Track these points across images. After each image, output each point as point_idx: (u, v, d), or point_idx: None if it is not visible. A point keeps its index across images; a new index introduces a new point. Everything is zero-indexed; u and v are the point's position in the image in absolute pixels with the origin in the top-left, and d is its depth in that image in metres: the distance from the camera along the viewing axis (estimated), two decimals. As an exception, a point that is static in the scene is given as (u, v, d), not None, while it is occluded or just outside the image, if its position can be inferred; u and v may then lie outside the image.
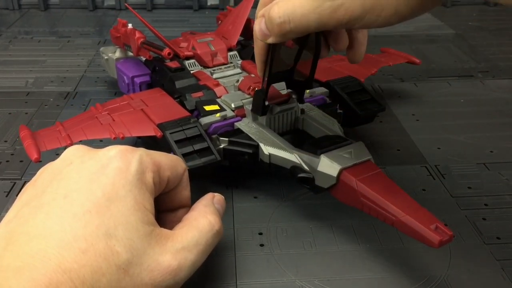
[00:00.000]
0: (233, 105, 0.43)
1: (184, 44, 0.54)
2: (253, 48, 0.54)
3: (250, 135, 0.40)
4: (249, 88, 0.45)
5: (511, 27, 0.86)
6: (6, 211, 0.29)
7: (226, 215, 0.40)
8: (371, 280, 0.34)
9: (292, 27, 0.31)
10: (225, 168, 0.42)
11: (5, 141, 0.51)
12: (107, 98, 0.60)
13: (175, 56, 0.51)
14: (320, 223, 0.39)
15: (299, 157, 0.37)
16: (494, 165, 0.47)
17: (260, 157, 0.40)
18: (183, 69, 0.50)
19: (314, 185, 0.36)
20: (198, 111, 0.43)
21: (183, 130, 0.40)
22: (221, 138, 0.40)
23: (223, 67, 0.51)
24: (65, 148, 0.38)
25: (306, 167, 0.37)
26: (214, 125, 0.42)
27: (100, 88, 0.63)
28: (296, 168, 0.37)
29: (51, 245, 0.25)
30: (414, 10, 0.29)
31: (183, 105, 0.44)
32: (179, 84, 0.47)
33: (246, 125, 0.42)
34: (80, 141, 0.45)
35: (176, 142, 0.39)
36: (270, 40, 0.33)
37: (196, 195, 0.34)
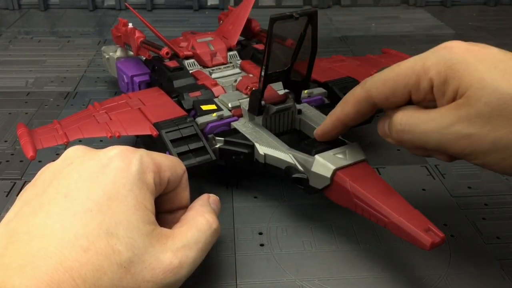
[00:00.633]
0: (230, 105, 0.43)
1: (184, 44, 0.54)
2: (252, 48, 0.54)
3: (246, 135, 0.40)
4: (246, 88, 0.45)
5: (511, 27, 0.86)
6: (6, 211, 0.29)
7: (226, 215, 0.40)
8: (371, 280, 0.34)
9: (409, 138, 0.31)
10: (225, 168, 0.42)
11: (5, 141, 0.51)
12: (107, 98, 0.60)
13: (174, 56, 0.51)
14: (320, 223, 0.39)
15: (294, 157, 0.37)
16: (494, 165, 0.47)
17: (256, 157, 0.40)
18: (181, 68, 0.50)
19: (308, 185, 0.36)
20: (195, 111, 0.43)
21: (179, 129, 0.40)
22: (217, 138, 0.40)
23: (222, 67, 0.51)
24: (65, 148, 0.38)
25: (300, 168, 0.37)
26: (210, 125, 0.42)
27: (100, 88, 0.63)
28: (290, 168, 0.37)
29: (52, 244, 0.25)
30: None
31: (181, 105, 0.44)
32: (177, 83, 0.47)
33: (243, 125, 0.42)
34: (79, 140, 0.46)
35: (172, 141, 0.39)
36: (390, 141, 0.33)
37: (196, 196, 0.34)
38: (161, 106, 0.44)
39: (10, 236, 0.25)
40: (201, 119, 0.42)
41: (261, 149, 0.39)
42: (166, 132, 0.40)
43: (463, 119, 0.28)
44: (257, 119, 0.42)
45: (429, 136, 0.30)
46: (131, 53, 0.55)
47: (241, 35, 0.56)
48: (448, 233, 0.38)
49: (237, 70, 0.51)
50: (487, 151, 0.28)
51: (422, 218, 0.31)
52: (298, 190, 0.37)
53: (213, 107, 0.43)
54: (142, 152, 0.30)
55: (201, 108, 0.43)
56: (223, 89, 0.46)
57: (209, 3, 0.96)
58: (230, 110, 0.43)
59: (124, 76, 0.53)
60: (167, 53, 0.49)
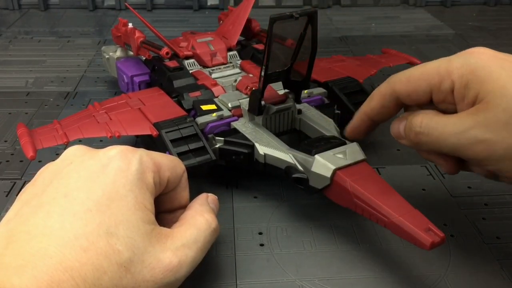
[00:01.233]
0: (230, 105, 0.43)
1: (184, 44, 0.54)
2: (252, 48, 0.54)
3: (246, 135, 0.40)
4: (246, 88, 0.45)
5: (511, 27, 0.86)
6: (6, 211, 0.29)
7: (226, 215, 0.40)
8: (371, 280, 0.34)
9: (427, 140, 0.31)
10: (225, 168, 0.42)
11: (5, 141, 0.51)
12: (107, 98, 0.60)
13: (174, 56, 0.51)
14: (320, 223, 0.39)
15: (294, 157, 0.37)
16: (494, 165, 0.47)
17: (256, 157, 0.40)
18: (181, 68, 0.50)
19: (308, 185, 0.36)
20: (195, 111, 0.43)
21: (179, 129, 0.40)
22: (216, 138, 0.40)
23: (222, 67, 0.51)
24: (65, 148, 0.38)
25: (300, 168, 0.37)
26: (210, 125, 0.42)
27: (100, 88, 0.63)
28: (290, 168, 0.37)
29: (52, 244, 0.25)
30: None
31: (181, 105, 0.44)
32: (177, 83, 0.47)
33: (243, 125, 0.42)
34: (80, 140, 0.46)
35: (172, 141, 0.39)
36: (403, 142, 0.34)
37: (195, 196, 0.34)
38: (161, 106, 0.44)
39: (10, 236, 0.25)
40: (201, 119, 0.42)
41: (261, 149, 0.39)
42: (166, 132, 0.40)
43: (481, 124, 0.28)
44: (257, 119, 0.42)
45: (446, 140, 0.30)
46: (131, 53, 0.55)
47: (241, 35, 0.56)
48: (448, 233, 0.38)
49: (237, 70, 0.51)
50: (501, 157, 0.28)
51: (422, 218, 0.31)
52: (298, 190, 0.37)
53: (213, 107, 0.43)
54: (142, 152, 0.30)
55: (201, 108, 0.43)
56: (223, 89, 0.46)
57: (209, 3, 0.96)
58: (230, 110, 0.43)
59: (124, 76, 0.53)
60: (167, 53, 0.49)
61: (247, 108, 0.42)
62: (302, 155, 0.37)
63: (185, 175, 0.33)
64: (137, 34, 0.52)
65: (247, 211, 0.41)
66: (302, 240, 0.38)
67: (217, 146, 0.40)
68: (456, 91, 0.30)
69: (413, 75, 0.33)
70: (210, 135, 0.41)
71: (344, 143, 0.37)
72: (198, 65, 0.52)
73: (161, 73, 0.50)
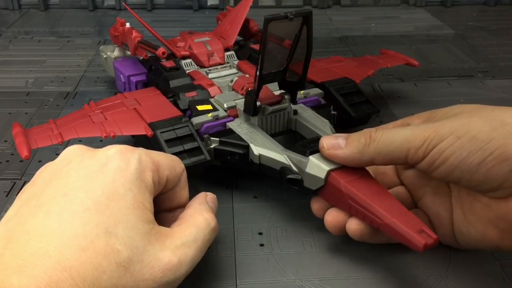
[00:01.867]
0: (225, 105, 0.43)
1: (181, 44, 0.54)
2: (250, 48, 0.54)
3: (241, 136, 0.40)
4: (242, 88, 0.45)
5: (511, 27, 0.86)
6: (6, 211, 0.29)
7: (226, 215, 0.40)
8: (371, 280, 0.34)
9: (381, 138, 0.32)
10: (225, 168, 0.42)
11: (5, 141, 0.51)
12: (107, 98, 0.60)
13: (171, 56, 0.51)
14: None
15: (289, 158, 0.37)
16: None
17: (251, 157, 0.39)
18: (178, 68, 0.50)
19: (302, 186, 0.36)
20: (190, 111, 0.43)
21: (174, 129, 0.40)
22: (212, 138, 0.40)
23: (219, 67, 0.51)
24: (64, 147, 0.38)
25: (295, 168, 0.36)
26: (205, 125, 0.42)
27: (100, 88, 0.63)
28: (285, 169, 0.37)
29: (51, 243, 0.25)
30: None
31: (176, 105, 0.44)
32: (173, 83, 0.47)
33: (238, 126, 0.42)
34: (80, 140, 0.45)
35: (166, 141, 0.39)
36: (337, 153, 0.34)
37: (194, 196, 0.34)
38: (156, 106, 0.44)
39: (9, 236, 0.25)
40: (196, 119, 0.42)
41: (256, 150, 0.39)
42: (160, 132, 0.40)
43: (427, 123, 0.33)
44: (252, 119, 0.42)
45: (399, 133, 0.32)
46: (129, 52, 0.55)
47: (239, 35, 0.56)
48: (448, 233, 0.38)
49: (234, 70, 0.51)
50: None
51: (415, 219, 0.31)
52: (293, 191, 0.37)
53: (209, 107, 0.43)
54: (141, 151, 0.30)
55: (196, 108, 0.43)
56: (219, 89, 0.46)
57: (209, 3, 0.96)
58: (225, 111, 0.43)
59: (121, 75, 0.54)
60: (163, 53, 0.49)
61: (242, 109, 0.42)
62: (296, 156, 0.36)
63: (185, 174, 0.33)
64: (134, 33, 0.51)
65: (247, 211, 0.41)
66: (302, 240, 0.38)
67: (212, 146, 0.40)
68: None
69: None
70: (205, 136, 0.41)
71: None
72: (195, 65, 0.52)
73: (158, 73, 0.50)
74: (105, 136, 0.40)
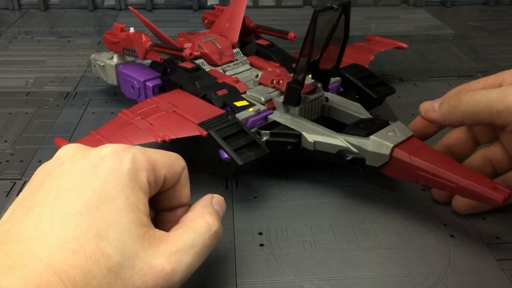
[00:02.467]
0: (263, 99, 0.44)
1: (188, 45, 0.54)
2: (256, 44, 0.54)
3: (290, 126, 0.42)
4: (272, 81, 0.46)
5: (511, 27, 0.86)
6: (6, 211, 0.29)
7: (226, 215, 0.40)
8: (371, 280, 0.34)
9: (468, 99, 0.35)
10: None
11: (5, 141, 0.51)
12: (107, 98, 0.60)
13: (180, 57, 0.51)
14: (320, 223, 0.40)
15: (346, 141, 0.39)
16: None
17: (303, 145, 0.41)
18: (198, 69, 0.49)
19: (364, 165, 0.38)
20: (230, 109, 0.44)
21: (226, 126, 0.40)
22: (262, 131, 0.41)
23: (232, 64, 0.52)
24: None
25: (354, 150, 0.38)
26: (250, 120, 0.42)
27: (100, 88, 0.63)
28: (344, 151, 0.39)
29: (42, 246, 0.24)
30: None
31: (211, 104, 0.45)
32: (200, 83, 0.47)
33: (280, 117, 0.43)
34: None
35: (224, 139, 0.39)
36: (431, 116, 0.38)
37: (197, 197, 0.34)
38: (195, 107, 0.44)
39: (3, 237, 0.25)
40: (240, 115, 0.42)
41: (310, 137, 0.40)
42: (215, 131, 0.40)
43: None
44: (292, 110, 0.43)
45: (487, 94, 0.34)
46: (129, 58, 0.54)
47: None
48: (448, 233, 0.38)
49: (248, 66, 0.51)
50: None
51: (486, 179, 0.34)
52: (303, 189, 0.38)
53: (245, 103, 0.44)
54: (135, 150, 0.29)
55: (235, 105, 0.44)
56: (246, 85, 0.47)
57: (209, 3, 0.96)
58: (263, 104, 0.44)
59: (134, 81, 0.52)
60: (190, 54, 0.48)
61: (281, 101, 0.43)
62: (355, 138, 0.39)
63: (185, 172, 0.32)
64: (144, 38, 0.50)
65: (247, 211, 0.41)
66: (302, 240, 0.38)
67: (263, 139, 0.41)
68: None
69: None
70: (253, 130, 0.42)
71: (387, 123, 0.39)
72: (208, 65, 0.52)
73: (179, 75, 0.49)
74: (160, 141, 0.39)
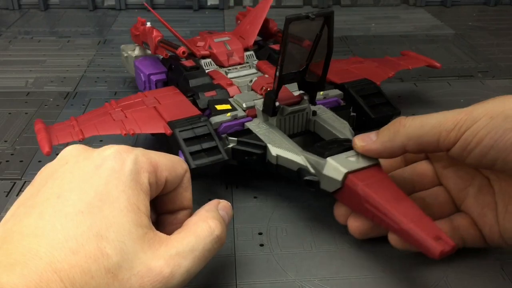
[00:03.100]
0: (244, 105, 0.43)
1: (201, 43, 0.54)
2: (269, 48, 0.54)
3: (259, 136, 0.40)
4: (261, 88, 0.45)
5: (511, 27, 0.86)
6: (6, 211, 0.29)
7: (226, 215, 0.40)
8: (371, 280, 0.34)
9: (411, 124, 0.33)
10: (225, 168, 0.42)
11: (5, 141, 0.51)
12: (107, 98, 0.60)
13: (191, 55, 0.52)
14: (320, 223, 0.39)
15: (306, 159, 0.37)
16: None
17: (268, 158, 0.39)
18: (198, 68, 0.50)
19: (319, 188, 0.36)
20: (209, 110, 0.44)
21: (192, 128, 0.40)
22: (230, 138, 0.41)
23: (238, 66, 0.51)
24: (78, 142, 0.38)
25: (312, 170, 0.36)
26: (224, 125, 0.42)
27: (100, 88, 0.63)
28: (302, 170, 0.37)
29: (43, 245, 0.24)
30: None
31: (196, 104, 0.45)
32: (193, 82, 0.47)
33: (256, 126, 0.42)
34: (100, 140, 0.45)
35: (185, 140, 0.39)
36: (371, 147, 0.35)
37: (197, 197, 0.34)
38: (176, 105, 0.44)
39: (5, 236, 0.25)
40: (215, 119, 0.42)
41: (274, 150, 0.39)
42: (179, 131, 0.40)
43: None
44: (271, 120, 0.42)
45: (429, 119, 0.32)
46: (149, 52, 0.55)
47: (258, 35, 0.56)
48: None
49: (253, 70, 0.51)
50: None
51: (432, 225, 0.30)
52: (303, 189, 0.37)
53: (228, 107, 0.44)
54: (138, 151, 0.30)
55: (215, 108, 0.43)
56: (238, 89, 0.47)
57: (209, 3, 0.96)
58: (244, 110, 0.43)
59: (142, 74, 0.54)
60: (183, 52, 0.48)
61: (261, 109, 0.42)
62: (314, 157, 0.36)
63: (188, 175, 0.32)
64: (155, 33, 0.52)
65: (247, 211, 0.41)
66: (302, 240, 0.38)
67: (230, 146, 0.40)
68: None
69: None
70: (223, 135, 0.41)
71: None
72: (215, 65, 0.52)
73: (178, 72, 0.50)
74: (124, 134, 0.40)
